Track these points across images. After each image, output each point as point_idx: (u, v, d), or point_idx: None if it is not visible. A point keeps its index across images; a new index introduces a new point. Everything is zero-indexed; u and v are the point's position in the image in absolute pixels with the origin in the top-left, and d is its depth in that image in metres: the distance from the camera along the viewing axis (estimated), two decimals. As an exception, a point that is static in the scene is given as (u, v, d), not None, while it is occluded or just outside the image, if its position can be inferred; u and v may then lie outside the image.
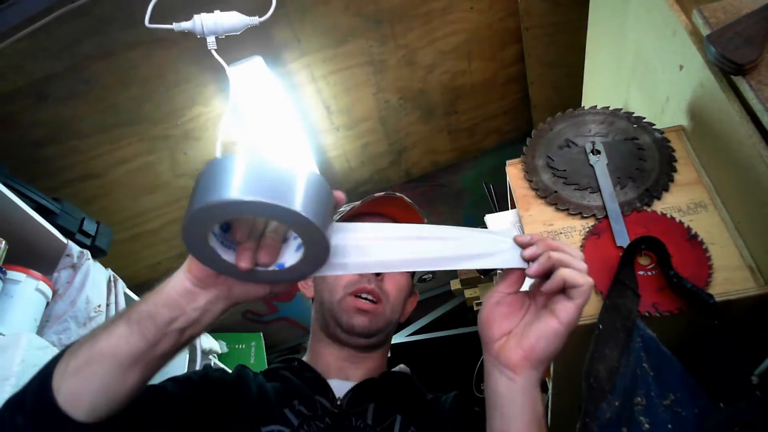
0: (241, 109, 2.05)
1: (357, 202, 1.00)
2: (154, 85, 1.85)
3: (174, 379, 0.84)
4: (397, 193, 1.01)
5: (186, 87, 1.90)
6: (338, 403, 0.84)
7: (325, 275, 0.91)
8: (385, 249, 0.63)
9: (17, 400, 0.64)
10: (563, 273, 0.61)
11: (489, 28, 2.19)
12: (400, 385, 0.94)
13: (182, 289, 0.59)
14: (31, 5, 1.50)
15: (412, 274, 1.05)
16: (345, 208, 0.99)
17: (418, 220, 1.01)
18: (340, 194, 0.58)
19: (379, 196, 0.99)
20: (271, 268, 0.58)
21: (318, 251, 0.56)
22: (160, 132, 2.00)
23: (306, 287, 1.04)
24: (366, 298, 0.91)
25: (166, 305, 0.59)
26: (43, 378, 0.63)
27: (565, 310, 0.61)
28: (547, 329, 0.62)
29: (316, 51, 2.02)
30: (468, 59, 2.29)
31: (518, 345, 0.63)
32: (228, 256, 0.56)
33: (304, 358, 0.97)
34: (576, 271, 0.61)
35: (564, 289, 0.62)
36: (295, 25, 1.90)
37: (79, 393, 0.60)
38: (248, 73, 1.92)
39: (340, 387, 0.87)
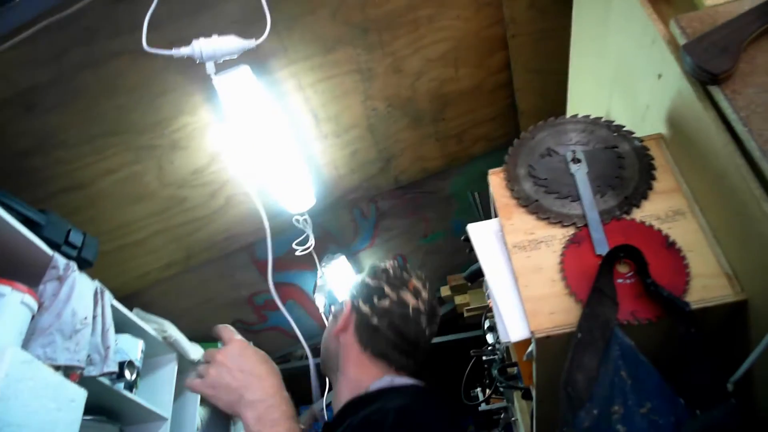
0: (229, 118, 2.05)
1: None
2: (140, 95, 1.85)
3: None
4: None
5: (172, 96, 1.90)
6: None
7: None
8: None
9: None
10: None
11: (476, 36, 2.20)
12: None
13: None
14: (17, 15, 1.50)
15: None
16: None
17: None
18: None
19: None
20: None
21: None
22: (146, 141, 1.99)
23: None
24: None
25: None
26: None
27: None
28: None
29: (304, 59, 2.02)
30: (455, 66, 2.30)
31: None
32: None
33: None
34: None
35: None
36: (282, 33, 1.90)
37: None
38: (235, 82, 1.92)
39: None
